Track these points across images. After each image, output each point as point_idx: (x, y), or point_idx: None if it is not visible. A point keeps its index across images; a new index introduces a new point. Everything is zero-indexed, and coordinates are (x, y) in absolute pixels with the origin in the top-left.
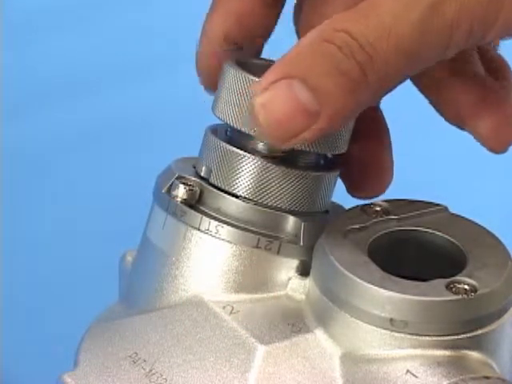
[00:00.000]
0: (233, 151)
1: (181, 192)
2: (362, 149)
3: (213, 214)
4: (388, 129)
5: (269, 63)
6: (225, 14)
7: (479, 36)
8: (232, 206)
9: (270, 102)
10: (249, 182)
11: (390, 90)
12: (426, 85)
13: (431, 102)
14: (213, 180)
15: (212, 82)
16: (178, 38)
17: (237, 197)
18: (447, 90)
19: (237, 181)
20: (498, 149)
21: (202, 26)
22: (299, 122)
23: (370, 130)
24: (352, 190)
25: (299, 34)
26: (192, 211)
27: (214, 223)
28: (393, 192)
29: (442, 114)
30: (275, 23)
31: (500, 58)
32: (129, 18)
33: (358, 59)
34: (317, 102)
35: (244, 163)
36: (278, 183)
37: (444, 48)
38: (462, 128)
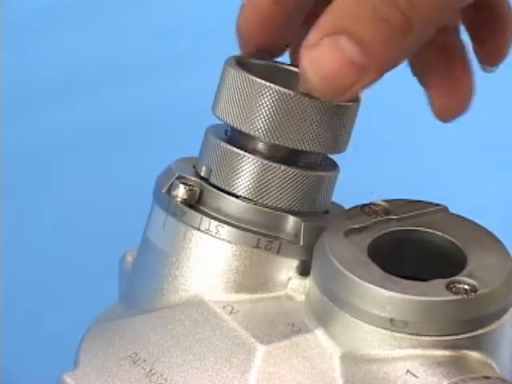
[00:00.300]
0: (233, 151)
1: (181, 192)
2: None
3: (213, 213)
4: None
5: (269, 63)
6: None
7: None
8: (232, 205)
9: (317, 58)
10: (249, 182)
11: (434, 32)
12: None
13: None
14: (213, 180)
15: (252, 44)
16: (178, 38)
17: (237, 197)
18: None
19: (237, 181)
20: (446, 119)
21: None
22: (348, 76)
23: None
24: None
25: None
26: (192, 211)
27: (214, 223)
28: (393, 192)
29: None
30: None
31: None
32: (129, 18)
33: (399, 5)
34: (363, 55)
35: (244, 163)
36: (278, 183)
37: None
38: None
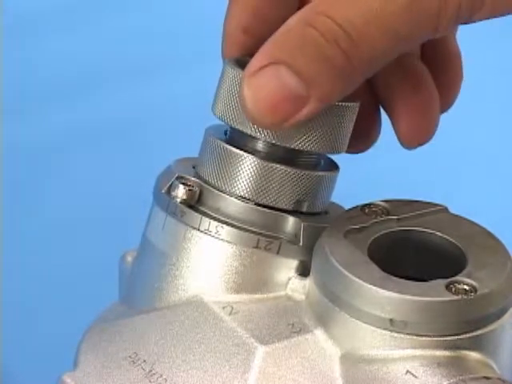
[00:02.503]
0: (232, 151)
1: (180, 192)
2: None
3: (213, 214)
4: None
5: None
6: (242, 7)
7: (467, 15)
8: (232, 206)
9: (257, 88)
10: (248, 182)
11: (379, 68)
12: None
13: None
14: (212, 181)
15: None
16: (178, 38)
17: (237, 197)
18: (380, 74)
19: (236, 181)
20: (410, 147)
21: (224, 19)
22: (288, 107)
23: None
24: (405, 139)
25: None
26: (192, 211)
27: (213, 223)
28: (393, 192)
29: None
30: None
31: (455, 48)
32: (129, 19)
33: (342, 46)
34: (304, 87)
35: (244, 163)
36: (278, 183)
37: (433, 27)
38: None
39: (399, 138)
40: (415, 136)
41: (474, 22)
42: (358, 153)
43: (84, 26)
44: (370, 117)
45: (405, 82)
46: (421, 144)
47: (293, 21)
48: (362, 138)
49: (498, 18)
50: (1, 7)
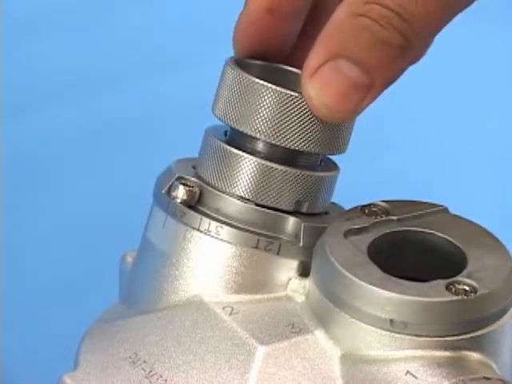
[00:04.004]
0: (232, 152)
1: (181, 193)
2: None
3: (213, 214)
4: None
5: (269, 64)
6: None
7: None
8: (232, 206)
9: (321, 86)
10: (248, 183)
11: (434, 38)
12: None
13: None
14: (212, 181)
15: (246, 53)
16: (179, 38)
17: (237, 197)
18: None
19: (236, 181)
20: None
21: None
22: (355, 97)
23: None
24: None
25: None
26: (192, 212)
27: (213, 224)
28: (393, 192)
29: None
30: None
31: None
32: (129, 19)
33: (397, 27)
34: (367, 76)
35: (244, 164)
36: (278, 184)
37: None
38: None
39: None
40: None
41: None
42: None
43: (84, 26)
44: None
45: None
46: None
47: (342, 14)
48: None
49: (498, 18)
50: (1, 7)
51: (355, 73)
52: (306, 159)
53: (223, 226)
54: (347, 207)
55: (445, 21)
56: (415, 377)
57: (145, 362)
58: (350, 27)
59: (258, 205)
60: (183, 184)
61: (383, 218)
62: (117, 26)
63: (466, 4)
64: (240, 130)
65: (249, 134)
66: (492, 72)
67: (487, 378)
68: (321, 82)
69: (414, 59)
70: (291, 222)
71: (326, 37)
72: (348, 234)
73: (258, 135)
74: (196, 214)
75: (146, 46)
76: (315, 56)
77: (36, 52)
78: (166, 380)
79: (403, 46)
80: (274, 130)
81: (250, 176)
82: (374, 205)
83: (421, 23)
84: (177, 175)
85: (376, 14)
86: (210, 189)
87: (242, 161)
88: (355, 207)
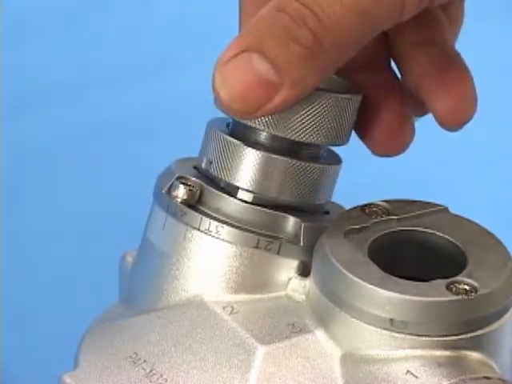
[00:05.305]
0: (234, 143)
1: (181, 192)
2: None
3: (213, 214)
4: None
5: None
6: None
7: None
8: (232, 206)
9: (229, 75)
10: (250, 174)
11: (352, 54)
12: (394, 54)
13: (399, 71)
14: (213, 172)
15: None
16: (178, 38)
17: (238, 190)
18: (409, 58)
19: (238, 173)
20: (453, 127)
21: None
22: (261, 94)
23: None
24: (376, 150)
25: None
26: (192, 211)
27: (214, 223)
28: (393, 192)
29: (406, 84)
30: None
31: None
32: (129, 19)
33: (310, 26)
34: (276, 73)
35: (246, 155)
36: (280, 175)
37: (399, 7)
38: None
39: (438, 120)
40: (456, 114)
41: (436, 6)
42: (390, 155)
43: (84, 26)
44: (399, 111)
45: (432, 63)
46: (464, 122)
47: (265, 8)
48: (394, 136)
49: (498, 17)
50: (1, 7)
51: (265, 68)
52: (309, 150)
53: (223, 225)
54: (347, 207)
55: (366, 32)
56: (415, 376)
57: (145, 361)
58: (268, 21)
59: (258, 204)
60: (183, 184)
61: (383, 218)
62: (117, 26)
63: (393, 21)
64: (242, 121)
65: (250, 125)
66: (491, 72)
67: (487, 378)
68: (230, 70)
69: (327, 70)
70: (291, 221)
71: (246, 30)
72: (348, 233)
73: (259, 126)
74: (196, 214)
75: (146, 46)
76: (232, 45)
77: (36, 52)
78: (166, 379)
79: (314, 48)
80: (275, 121)
81: (251, 167)
82: (374, 205)
83: (337, 28)
84: (177, 175)
85: (293, 10)
86: (211, 188)
87: (243, 152)
88: (355, 207)
